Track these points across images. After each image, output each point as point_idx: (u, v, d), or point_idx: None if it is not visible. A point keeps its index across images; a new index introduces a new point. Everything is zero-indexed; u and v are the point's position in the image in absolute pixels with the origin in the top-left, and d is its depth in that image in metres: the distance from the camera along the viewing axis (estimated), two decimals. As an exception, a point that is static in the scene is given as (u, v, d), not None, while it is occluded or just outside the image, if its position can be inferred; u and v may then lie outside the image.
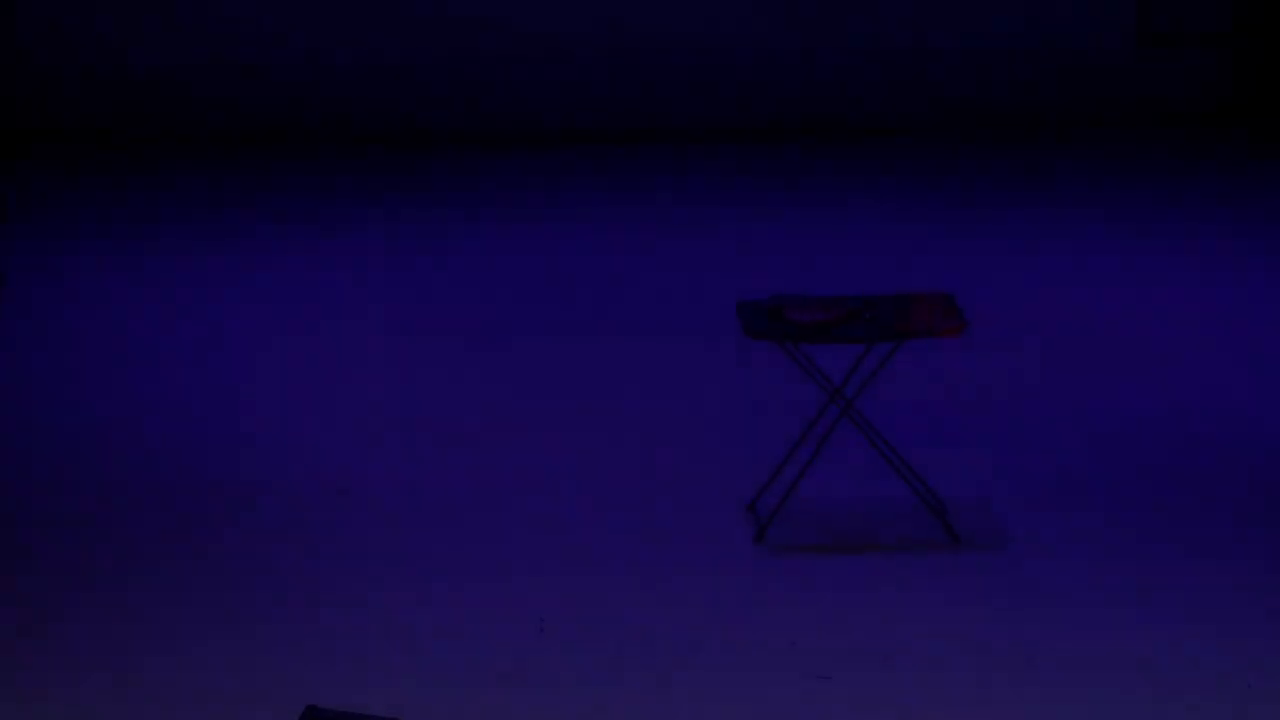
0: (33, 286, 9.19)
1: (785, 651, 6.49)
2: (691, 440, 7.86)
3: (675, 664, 6.43)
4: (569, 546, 7.13)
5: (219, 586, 6.89)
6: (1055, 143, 10.84)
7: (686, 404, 8.15)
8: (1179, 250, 9.58)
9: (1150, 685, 6.29)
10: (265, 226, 9.94)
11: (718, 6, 10.80)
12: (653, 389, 8.30)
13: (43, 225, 9.93)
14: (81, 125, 10.73)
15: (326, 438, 7.92)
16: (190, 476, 7.64)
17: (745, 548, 7.11)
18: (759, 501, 7.31)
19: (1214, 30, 11.01)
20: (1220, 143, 10.82)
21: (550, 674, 6.37)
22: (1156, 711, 6.15)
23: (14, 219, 9.64)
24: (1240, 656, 6.42)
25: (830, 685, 6.30)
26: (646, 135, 10.87)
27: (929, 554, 7.05)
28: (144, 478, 7.63)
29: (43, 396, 8.30)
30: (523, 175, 10.56)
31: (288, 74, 10.76)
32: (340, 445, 7.86)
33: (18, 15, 10.57)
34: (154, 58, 10.68)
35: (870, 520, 7.26)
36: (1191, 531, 7.20)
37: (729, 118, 10.92)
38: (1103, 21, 10.96)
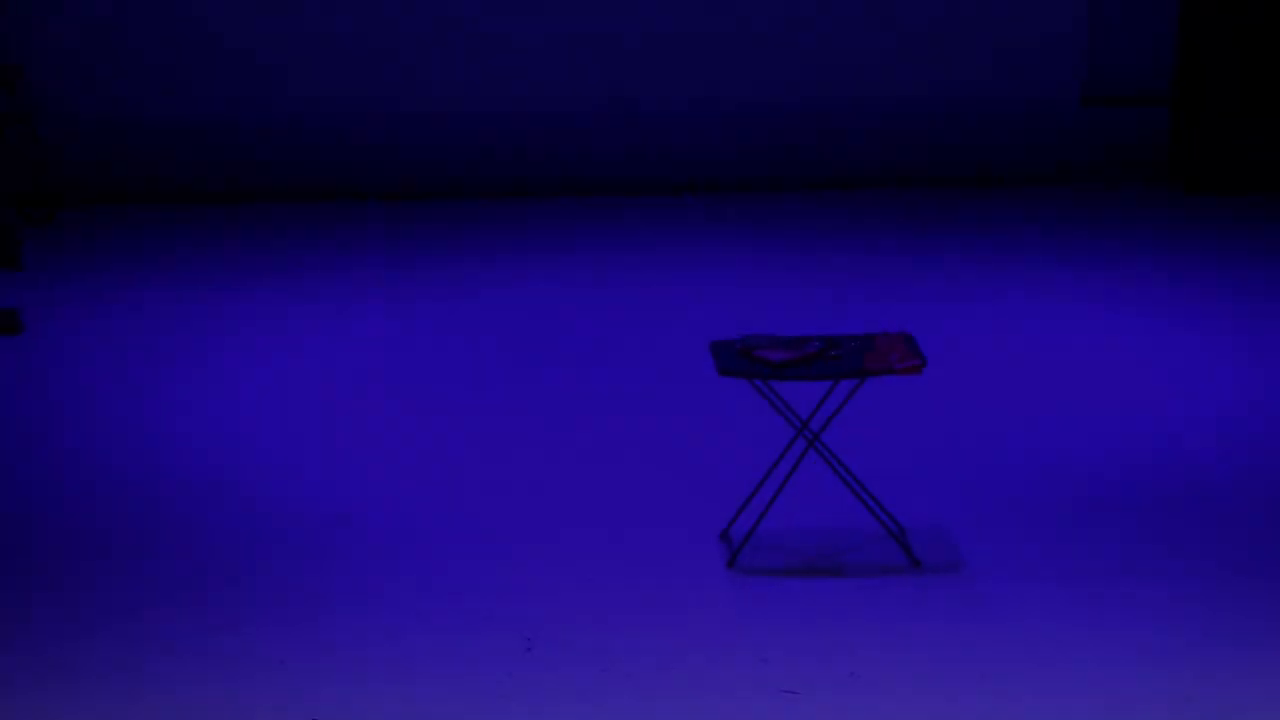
0: (50, 329, 9.20)
1: (755, 668, 6.49)
2: (668, 471, 7.86)
3: (653, 679, 6.43)
4: (553, 570, 7.12)
5: (226, 605, 6.89)
6: (1006, 194, 10.89)
7: (663, 438, 8.15)
8: (1119, 295, 9.63)
9: (1098, 696, 6.31)
10: (269, 274, 9.96)
11: (697, 74, 10.82)
12: (631, 423, 8.30)
13: (58, 273, 9.91)
14: (99, 181, 10.68)
15: (328, 470, 7.92)
16: (200, 505, 7.63)
17: (719, 572, 7.11)
18: (731, 529, 7.32)
19: (1153, 93, 11.04)
20: (1157, 196, 10.91)
21: (536, 688, 6.37)
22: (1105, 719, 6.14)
23: (32, 267, 9.67)
24: (1181, 667, 6.44)
25: (797, 700, 6.30)
26: (633, 188, 10.91)
27: (891, 577, 7.05)
28: (157, 507, 7.62)
29: (59, 431, 8.27)
30: (512, 223, 10.61)
31: (293, 130, 10.76)
32: (340, 477, 7.86)
33: (46, 83, 10.53)
34: (160, 117, 10.66)
35: (835, 546, 7.25)
36: (1132, 552, 7.22)
37: (707, 173, 10.94)
38: (1050, 83, 11.00)
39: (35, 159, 10.38)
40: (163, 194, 10.72)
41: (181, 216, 10.65)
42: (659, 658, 6.53)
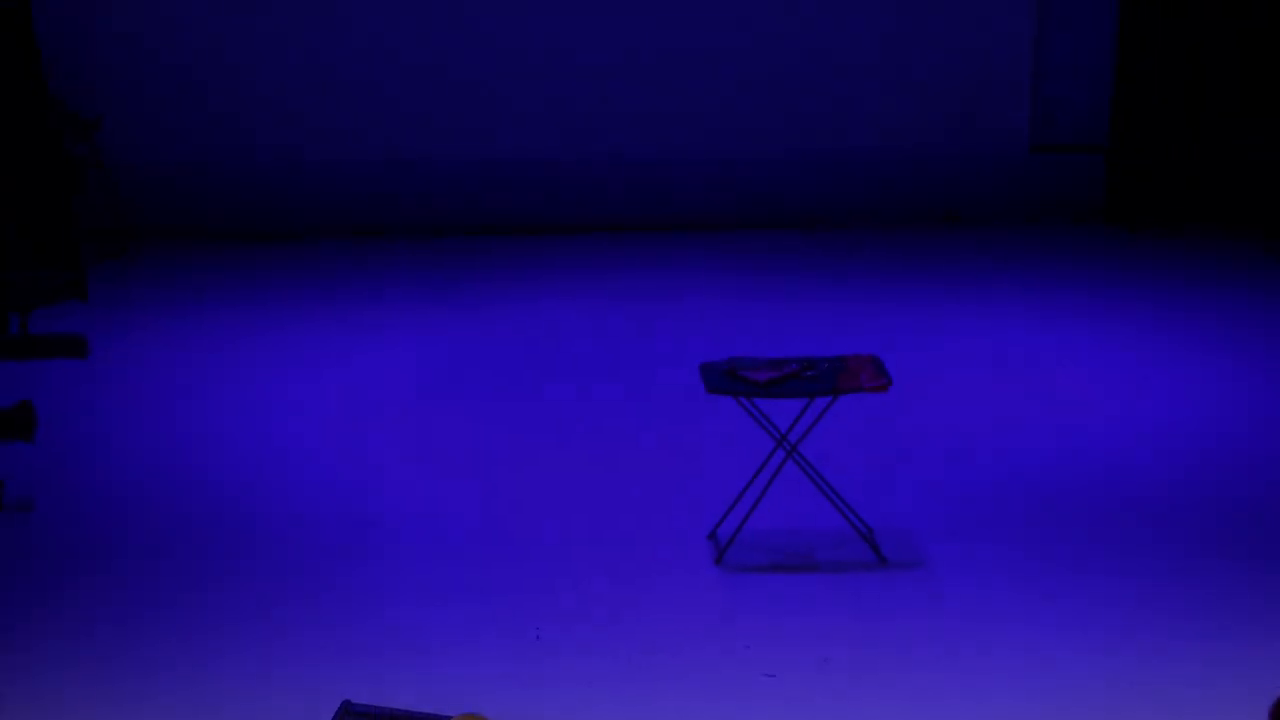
0: (115, 352, 9.19)
1: (739, 654, 6.50)
2: (662, 478, 7.86)
3: (649, 663, 6.43)
4: (557, 567, 7.11)
5: (267, 600, 6.88)
6: (964, 232, 10.92)
7: (658, 448, 8.15)
8: (1066, 321, 9.64)
9: (1049, 681, 6.31)
10: (311, 302, 9.97)
11: (687, 125, 10.85)
12: (629, 435, 8.30)
13: (125, 302, 9.92)
14: (166, 219, 10.69)
15: (358, 480, 7.90)
16: (243, 510, 7.63)
17: (707, 569, 7.10)
18: (718, 530, 7.30)
19: (1094, 143, 11.06)
20: (1097, 233, 10.94)
21: (545, 672, 6.37)
22: (1056, 704, 6.15)
23: (101, 297, 9.67)
24: (1122, 653, 6.45)
25: (776, 682, 6.31)
26: (630, 227, 10.93)
27: (860, 573, 7.04)
28: (204, 511, 7.62)
29: (120, 443, 8.26)
30: (523, 257, 10.63)
31: (332, 175, 10.78)
32: (369, 486, 7.84)
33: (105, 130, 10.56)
34: (217, 162, 10.68)
35: (811, 545, 7.24)
36: (1080, 551, 7.21)
37: (696, 213, 10.96)
38: (1002, 134, 11.03)
39: (110, 199, 10.42)
40: (219, 231, 10.73)
41: (236, 251, 10.67)
42: (654, 644, 6.53)
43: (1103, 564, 7.09)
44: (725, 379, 7.05)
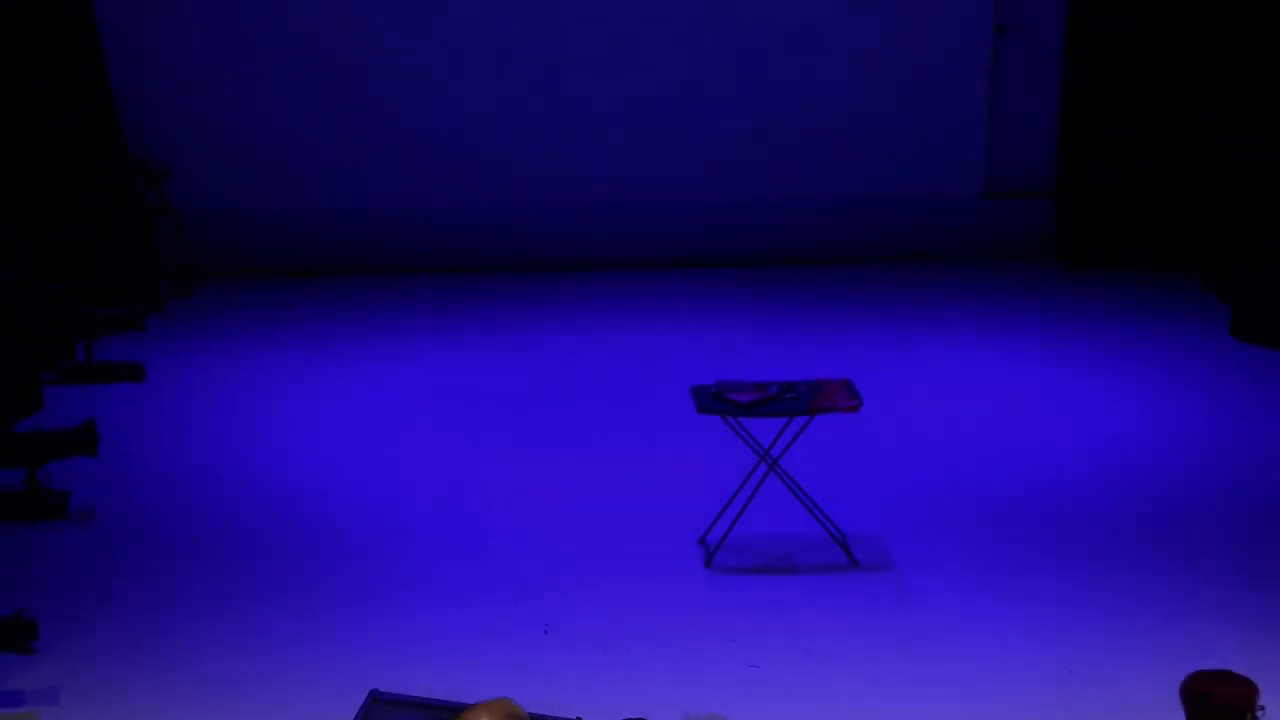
0: (166, 379, 9.14)
1: (727, 646, 6.49)
2: (657, 489, 7.83)
3: (646, 654, 6.44)
4: (564, 569, 7.10)
5: (302, 598, 6.87)
6: (925, 270, 10.90)
7: (653, 462, 8.12)
8: (1016, 349, 9.61)
9: (1005, 667, 6.32)
10: (347, 332, 9.89)
11: (678, 172, 10.85)
12: (627, 451, 8.26)
13: (182, 333, 9.86)
14: (221, 260, 10.66)
15: (384, 492, 7.87)
16: (282, 517, 7.60)
17: (698, 570, 7.10)
18: (708, 536, 7.29)
19: (1043, 189, 11.06)
20: (1045, 271, 10.89)
21: (553, 662, 6.37)
22: (1010, 689, 6.16)
23: (160, 329, 9.67)
24: (1062, 643, 6.47)
25: (760, 672, 6.32)
26: (628, 264, 10.91)
27: (835, 574, 7.05)
28: (246, 518, 7.60)
29: (173, 458, 8.23)
30: (533, 292, 10.56)
31: (360, 220, 10.77)
32: (394, 497, 7.81)
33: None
34: (269, 208, 10.66)
35: (791, 548, 7.24)
36: (1027, 553, 7.21)
37: (688, 252, 10.95)
38: (958, 181, 11.04)
39: (178, 243, 10.39)
40: (267, 269, 10.67)
41: (283, 287, 10.55)
42: (651, 638, 6.53)
43: (1050, 564, 7.10)
44: (713, 400, 7.05)
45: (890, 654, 6.42)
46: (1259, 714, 4.46)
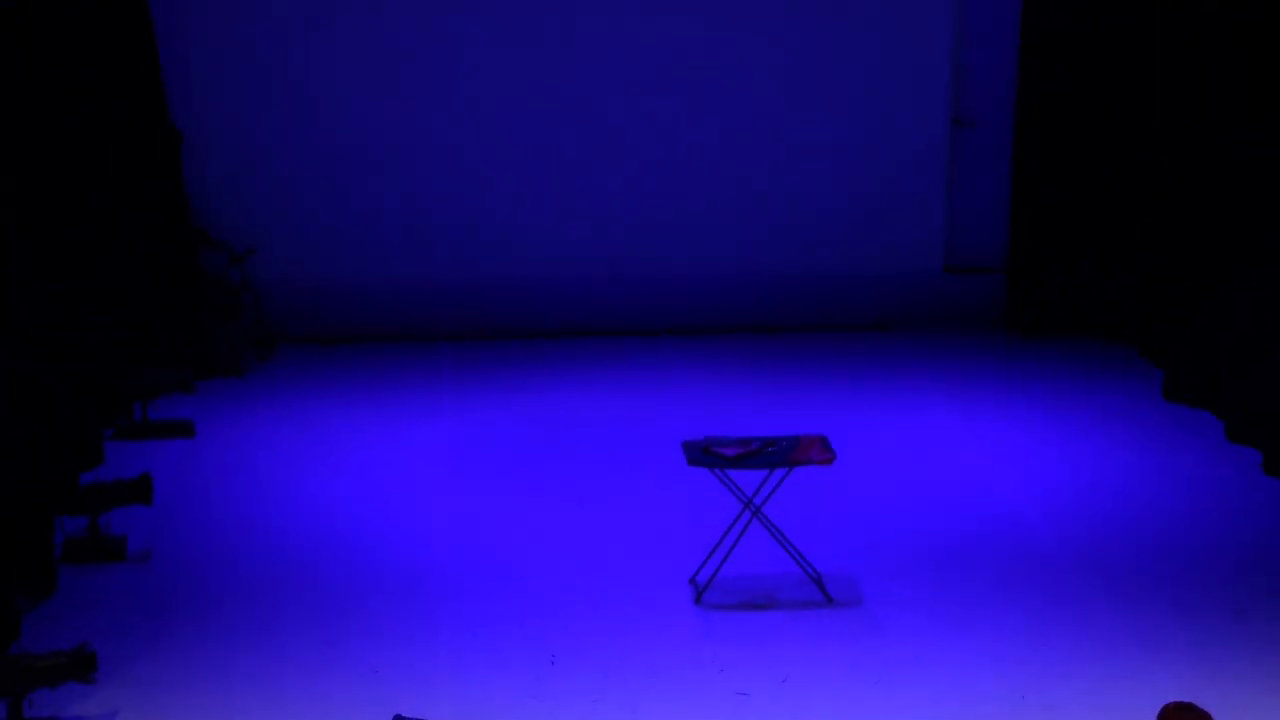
0: (216, 435, 9.12)
1: (716, 676, 6.47)
2: (652, 534, 7.80)
3: (642, 683, 6.42)
4: (568, 605, 7.09)
5: (333, 632, 6.85)
6: (892, 337, 10.85)
7: (648, 510, 8.08)
8: (974, 408, 9.55)
9: (965, 693, 6.30)
10: (377, 392, 9.83)
11: (669, 248, 10.86)
12: (624, 500, 8.22)
13: (229, 392, 9.81)
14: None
15: (408, 537, 7.83)
16: (317, 560, 7.59)
17: (689, 607, 7.08)
18: (697, 575, 7.27)
19: (995, 265, 11.08)
20: (998, 338, 10.82)
21: (558, 689, 6.36)
22: (971, 713, 6.13)
23: (203, 390, 9.65)
24: (1019, 673, 6.46)
25: (747, 700, 6.30)
26: (625, 330, 10.86)
27: (812, 610, 7.03)
28: (285, 561, 7.58)
29: (219, 507, 8.20)
30: (539, 355, 10.47)
31: (387, 290, 10.75)
32: (416, 542, 7.77)
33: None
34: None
35: (772, 587, 7.22)
36: (987, 591, 7.19)
37: (679, 319, 10.93)
38: (921, 258, 11.02)
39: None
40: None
41: (329, 352, 10.48)
42: (647, 669, 6.52)
43: (1005, 601, 7.09)
44: (702, 454, 7.06)
45: (862, 682, 6.41)
46: None
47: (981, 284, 11.04)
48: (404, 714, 5.78)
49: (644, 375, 10.18)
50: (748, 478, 7.17)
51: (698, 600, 7.09)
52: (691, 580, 7.27)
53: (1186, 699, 5.62)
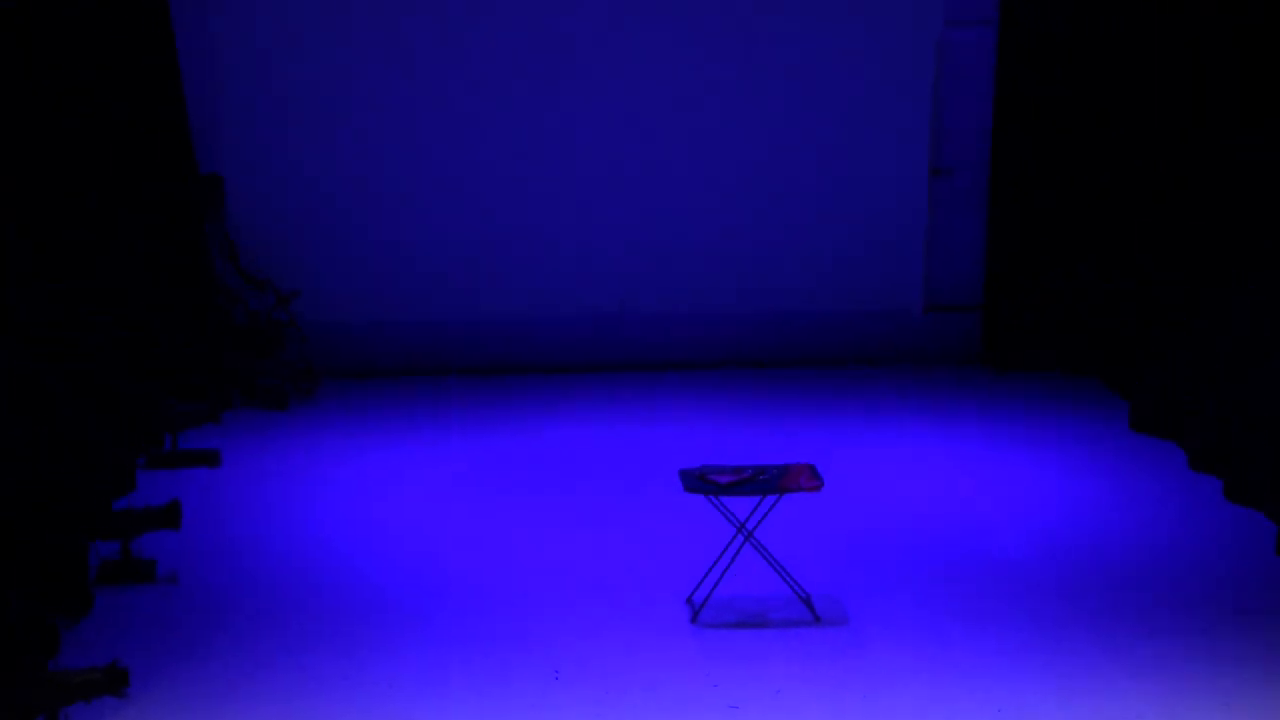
0: (241, 465, 9.09)
1: (710, 690, 6.47)
2: (651, 557, 7.79)
3: (641, 696, 6.42)
4: (572, 623, 7.09)
5: (348, 649, 6.85)
6: (876, 372, 10.81)
7: (647, 534, 8.07)
8: (955, 439, 9.54)
9: (946, 707, 6.30)
10: (392, 424, 9.76)
11: (668, 289, 10.89)
12: (625, 524, 8.22)
13: (257, 426, 9.76)
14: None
15: (420, 561, 7.82)
16: (333, 583, 7.59)
17: (685, 625, 7.08)
18: (694, 595, 7.28)
19: (972, 303, 11.09)
20: (976, 373, 10.79)
21: (562, 702, 6.36)
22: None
23: (228, 422, 9.66)
24: (996, 687, 6.45)
25: (739, 712, 6.29)
26: (627, 366, 10.84)
27: (801, 628, 7.03)
28: (304, 584, 7.58)
29: (243, 531, 8.19)
30: (546, 388, 10.45)
31: (406, 328, 10.77)
32: (428, 564, 7.77)
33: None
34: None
35: (764, 607, 7.23)
36: (968, 611, 7.19)
37: (679, 356, 10.92)
38: (902, 298, 11.03)
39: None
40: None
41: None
42: (646, 682, 6.52)
43: (983, 619, 7.10)
44: (698, 481, 7.08)
45: (848, 696, 6.41)
46: None
47: (959, 322, 11.05)
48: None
49: (646, 408, 10.16)
50: (741, 504, 7.18)
51: (694, 619, 7.10)
52: (688, 600, 7.27)
53: (1155, 712, 5.62)
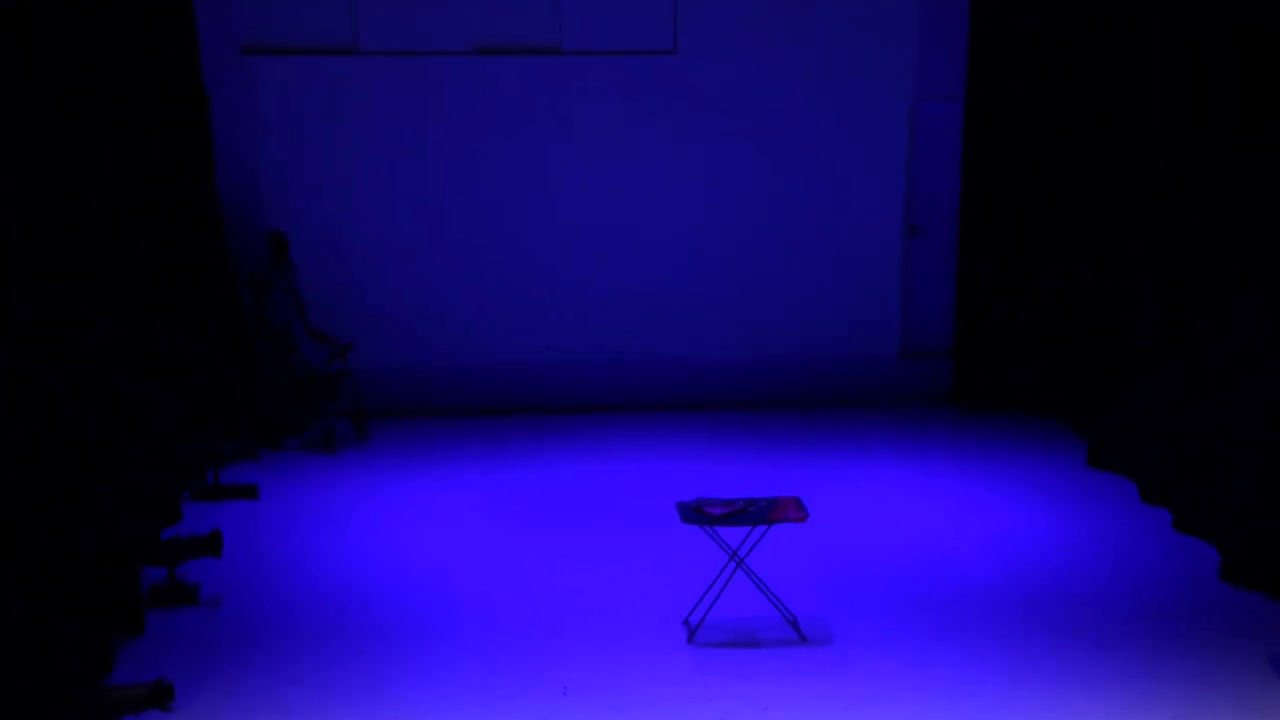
0: (277, 497, 9.11)
1: (705, 704, 6.45)
2: (651, 582, 7.77)
3: (641, 711, 6.38)
4: (578, 643, 7.07)
5: (376, 665, 6.82)
6: (855, 412, 10.86)
7: (647, 561, 8.05)
8: (925, 472, 9.54)
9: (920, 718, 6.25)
10: (413, 460, 9.80)
11: (663, 337, 10.92)
12: (625, 552, 8.19)
13: (295, 463, 9.83)
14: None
15: (439, 586, 7.79)
16: (361, 605, 7.56)
17: (682, 645, 7.06)
18: (690, 617, 7.26)
19: (943, 349, 11.11)
20: (946, 414, 10.84)
21: (569, 715, 6.32)
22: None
23: (267, 460, 9.65)
24: (969, 703, 6.41)
25: (732, 724, 6.24)
26: (626, 407, 10.88)
27: (788, 648, 7.01)
28: (334, 606, 7.55)
29: (279, 558, 8.17)
30: (553, 428, 10.45)
31: (426, 372, 10.80)
32: (446, 589, 7.74)
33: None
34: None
35: (754, 627, 7.21)
36: (945, 629, 7.17)
37: (673, 398, 10.96)
38: (880, 344, 11.06)
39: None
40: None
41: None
42: (646, 698, 6.49)
43: (956, 639, 7.08)
44: (693, 513, 7.08)
45: (832, 710, 6.39)
46: None
47: (931, 367, 11.08)
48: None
49: (644, 446, 10.15)
50: (733, 533, 7.19)
51: (691, 639, 7.09)
52: (685, 621, 7.26)
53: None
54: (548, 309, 10.82)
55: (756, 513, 7.04)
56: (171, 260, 9.14)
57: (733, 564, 7.14)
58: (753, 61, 10.62)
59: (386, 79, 10.42)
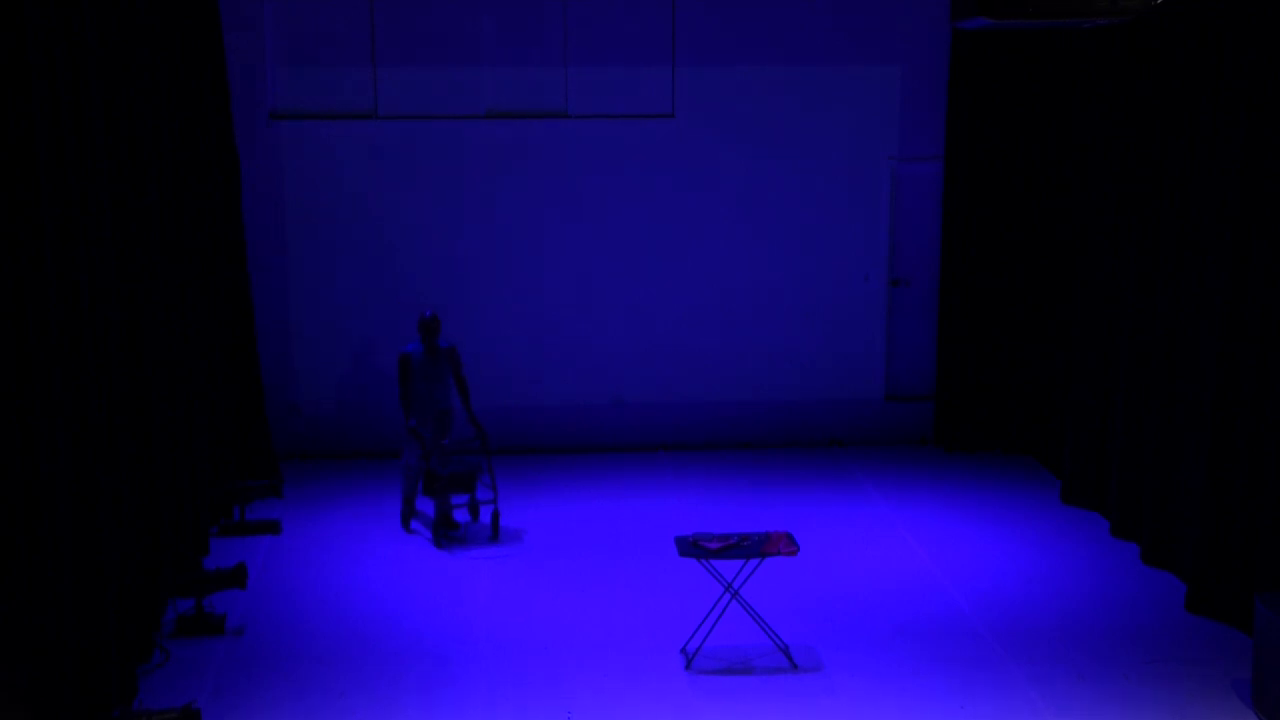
0: (299, 533, 9.10)
1: (703, 728, 6.41)
2: (650, 612, 7.76)
3: (643, 735, 6.34)
4: (581, 670, 7.05)
5: (391, 691, 6.79)
6: (843, 452, 10.87)
7: (646, 593, 8.03)
8: (909, 507, 9.55)
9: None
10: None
11: (662, 381, 10.95)
12: (626, 584, 8.17)
13: (312, 498, 9.86)
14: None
15: (451, 616, 7.78)
16: (379, 634, 7.54)
17: (680, 672, 7.04)
18: (688, 646, 7.25)
19: (925, 393, 11.14)
20: (928, 453, 10.86)
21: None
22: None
23: (289, 497, 9.65)
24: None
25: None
26: (627, 448, 10.89)
27: (781, 675, 6.99)
28: (350, 633, 7.53)
29: (300, 590, 8.15)
30: (559, 468, 10.46)
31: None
32: (456, 620, 7.72)
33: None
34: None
35: (748, 655, 7.19)
36: (927, 655, 7.15)
37: (671, 439, 10.96)
38: (867, 388, 11.09)
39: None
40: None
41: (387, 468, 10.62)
42: (647, 721, 6.49)
43: (939, 666, 7.07)
44: (690, 547, 7.09)
45: (821, 733, 6.37)
46: None
47: (914, 409, 11.11)
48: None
49: (643, 484, 10.14)
50: (728, 566, 7.20)
51: (688, 666, 7.07)
52: (683, 649, 7.25)
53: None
54: (555, 357, 10.84)
55: (750, 547, 7.05)
56: (205, 310, 9.16)
57: (728, 595, 7.13)
58: (746, 126, 10.73)
59: (403, 141, 10.50)
